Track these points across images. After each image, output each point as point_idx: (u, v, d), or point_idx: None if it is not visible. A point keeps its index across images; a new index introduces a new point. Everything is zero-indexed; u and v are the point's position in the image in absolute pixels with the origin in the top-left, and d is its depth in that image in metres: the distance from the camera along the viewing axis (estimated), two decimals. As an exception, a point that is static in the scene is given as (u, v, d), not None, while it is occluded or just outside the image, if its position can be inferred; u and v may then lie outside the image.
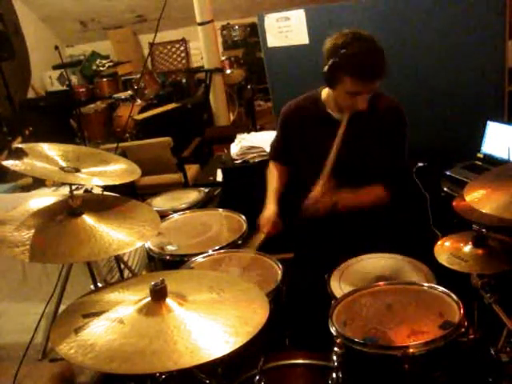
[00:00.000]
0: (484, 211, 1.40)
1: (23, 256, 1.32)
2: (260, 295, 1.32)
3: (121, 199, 1.67)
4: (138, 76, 6.36)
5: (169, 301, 1.21)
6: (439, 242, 1.77)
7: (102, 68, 6.83)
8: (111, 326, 1.16)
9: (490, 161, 2.55)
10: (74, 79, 6.75)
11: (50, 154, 1.63)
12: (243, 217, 2.18)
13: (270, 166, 2.27)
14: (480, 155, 2.62)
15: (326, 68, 1.83)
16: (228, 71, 6.09)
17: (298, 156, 2.14)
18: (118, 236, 1.43)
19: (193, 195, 2.67)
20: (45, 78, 6.77)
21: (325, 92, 2.04)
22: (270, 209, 2.06)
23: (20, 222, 1.43)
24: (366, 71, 1.76)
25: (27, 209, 1.51)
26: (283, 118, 2.17)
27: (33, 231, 1.39)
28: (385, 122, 1.96)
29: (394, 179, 1.98)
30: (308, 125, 2.06)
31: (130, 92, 6.07)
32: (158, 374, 1.39)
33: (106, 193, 2.06)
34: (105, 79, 6.56)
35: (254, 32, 6.01)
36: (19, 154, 1.52)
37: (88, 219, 1.46)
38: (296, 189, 2.13)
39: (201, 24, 5.24)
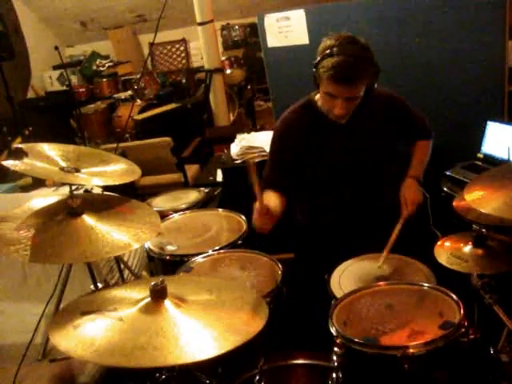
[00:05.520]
0: (484, 212, 1.40)
1: (22, 256, 1.32)
2: (259, 300, 1.32)
3: (121, 199, 1.67)
4: (138, 76, 6.36)
5: (168, 302, 1.21)
6: (439, 242, 1.77)
7: (102, 68, 6.83)
8: (111, 323, 1.16)
9: (490, 161, 2.55)
10: (74, 79, 6.74)
11: (50, 154, 1.63)
12: (243, 217, 2.17)
13: None
14: (480, 155, 2.62)
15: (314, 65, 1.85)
16: (228, 71, 6.09)
17: (306, 168, 2.02)
18: (118, 236, 1.43)
19: (193, 195, 2.67)
20: (45, 78, 6.77)
21: (318, 97, 1.98)
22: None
23: (20, 221, 1.43)
24: (338, 74, 1.75)
25: (27, 209, 1.51)
26: (280, 133, 2.03)
27: (33, 231, 1.39)
28: (384, 109, 2.00)
29: (426, 129, 2.17)
30: (311, 133, 1.99)
31: (129, 92, 6.07)
32: (157, 374, 1.39)
33: (106, 193, 2.06)
34: (105, 79, 6.56)
35: (254, 32, 6.01)
36: (19, 154, 1.52)
37: (88, 219, 1.46)
38: (308, 204, 2.12)
39: (201, 24, 5.23)
